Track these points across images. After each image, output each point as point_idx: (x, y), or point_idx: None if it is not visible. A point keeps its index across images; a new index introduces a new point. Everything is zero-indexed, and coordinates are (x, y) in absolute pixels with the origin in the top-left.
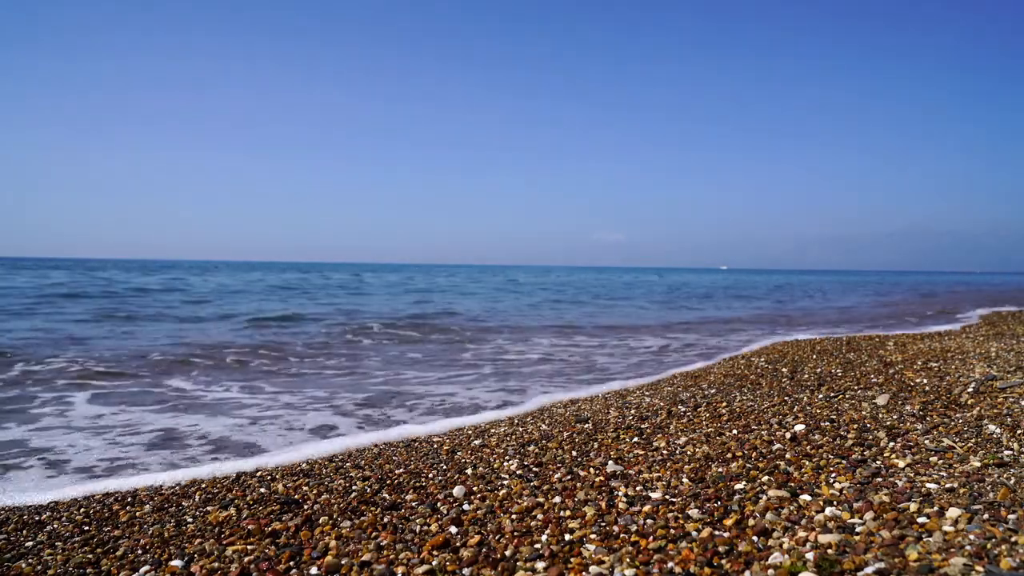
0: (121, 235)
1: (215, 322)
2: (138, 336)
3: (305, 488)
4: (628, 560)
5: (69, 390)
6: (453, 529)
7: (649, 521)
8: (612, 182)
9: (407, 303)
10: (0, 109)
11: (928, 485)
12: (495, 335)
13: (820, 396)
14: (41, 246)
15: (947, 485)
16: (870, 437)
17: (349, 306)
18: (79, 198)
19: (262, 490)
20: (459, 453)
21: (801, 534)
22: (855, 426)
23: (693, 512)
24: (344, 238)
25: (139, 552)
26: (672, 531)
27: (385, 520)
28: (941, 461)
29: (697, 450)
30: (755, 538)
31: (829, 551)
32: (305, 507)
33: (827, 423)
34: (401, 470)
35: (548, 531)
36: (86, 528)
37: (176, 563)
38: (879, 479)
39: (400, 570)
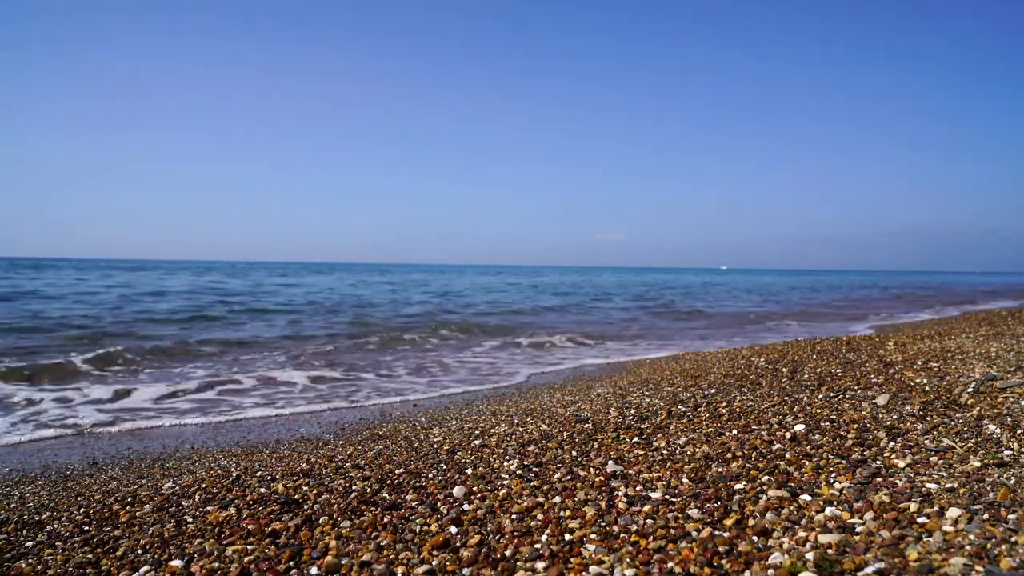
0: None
1: None
2: None
3: (305, 488)
4: (628, 560)
5: None
6: (453, 529)
7: (649, 521)
8: (612, 182)
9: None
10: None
11: (928, 485)
12: None
13: (820, 396)
14: (50, 246)
15: (947, 485)
16: (870, 437)
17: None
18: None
19: (262, 490)
20: (459, 453)
21: (801, 534)
22: (855, 426)
23: (693, 512)
24: (346, 238)
25: (139, 552)
26: (672, 531)
27: (385, 520)
28: (941, 461)
29: (697, 450)
30: (755, 538)
31: (829, 551)
32: (305, 507)
33: (827, 423)
34: (401, 470)
35: (548, 531)
36: (86, 528)
37: (176, 563)
38: (879, 479)
39: (400, 570)
